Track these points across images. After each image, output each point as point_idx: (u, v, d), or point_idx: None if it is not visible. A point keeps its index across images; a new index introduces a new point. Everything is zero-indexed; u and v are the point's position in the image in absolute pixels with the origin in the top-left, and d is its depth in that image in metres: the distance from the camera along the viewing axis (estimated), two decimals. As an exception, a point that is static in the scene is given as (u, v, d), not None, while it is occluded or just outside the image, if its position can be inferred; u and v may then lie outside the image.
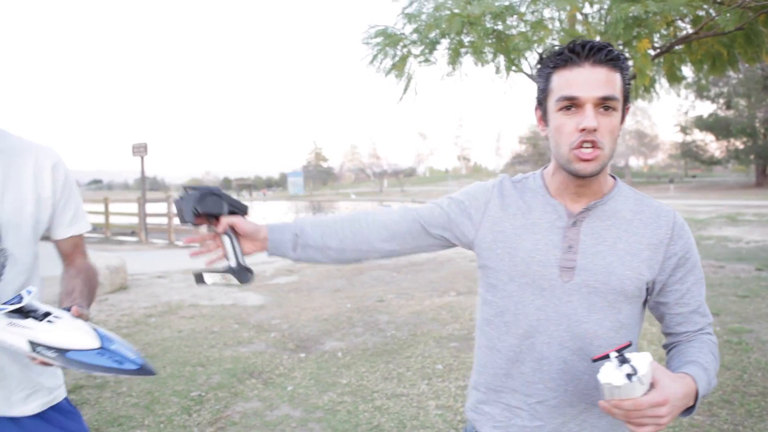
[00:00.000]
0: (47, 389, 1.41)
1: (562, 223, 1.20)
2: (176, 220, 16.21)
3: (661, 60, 4.96)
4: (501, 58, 3.90)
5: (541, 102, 1.19)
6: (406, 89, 4.28)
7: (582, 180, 1.17)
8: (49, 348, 1.09)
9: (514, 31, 3.70)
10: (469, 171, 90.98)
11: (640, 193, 1.26)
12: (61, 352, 1.09)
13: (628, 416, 0.97)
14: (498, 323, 1.26)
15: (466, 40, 3.72)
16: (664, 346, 1.29)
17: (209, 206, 1.27)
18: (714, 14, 3.79)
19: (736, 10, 3.43)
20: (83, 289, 1.41)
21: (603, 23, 3.88)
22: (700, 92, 37.71)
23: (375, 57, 4.27)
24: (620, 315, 1.19)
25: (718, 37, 4.00)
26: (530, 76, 4.47)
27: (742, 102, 38.61)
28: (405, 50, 4.15)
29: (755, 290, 6.92)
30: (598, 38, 3.71)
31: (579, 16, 4.44)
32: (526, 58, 4.11)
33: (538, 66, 1.21)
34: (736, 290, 6.94)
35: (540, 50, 3.90)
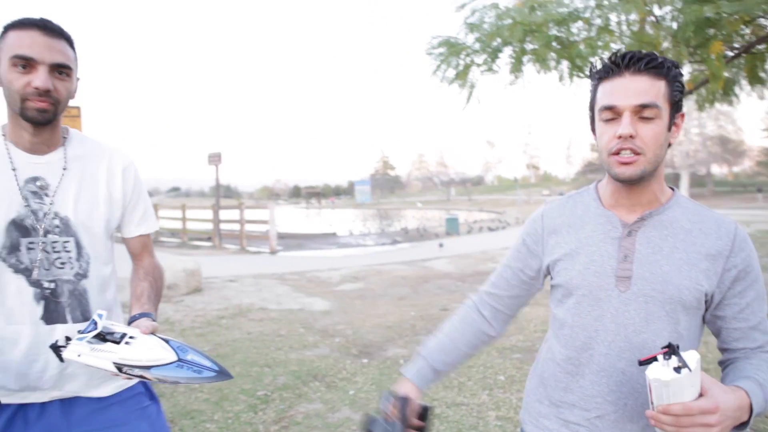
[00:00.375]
0: (106, 378, 1.52)
1: (617, 234, 1.21)
2: (248, 227, 16.88)
3: (742, 61, 4.71)
4: (565, 65, 3.84)
5: (592, 114, 1.23)
6: (469, 98, 4.29)
7: (630, 188, 1.18)
8: (134, 367, 1.21)
9: (578, 38, 3.65)
10: (538, 179, 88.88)
11: (700, 204, 1.24)
12: (145, 368, 1.20)
13: (678, 423, 0.95)
14: (559, 336, 1.29)
15: (529, 47, 3.70)
16: (720, 363, 1.25)
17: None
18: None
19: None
20: (150, 293, 1.53)
21: (675, 24, 3.74)
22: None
23: (438, 67, 4.32)
24: (679, 326, 1.17)
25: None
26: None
27: (842, 104, 35.56)
28: (468, 59, 4.18)
29: None
30: (667, 43, 3.58)
31: (651, 19, 4.30)
32: (592, 64, 4.03)
33: (590, 77, 1.24)
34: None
35: (605, 55, 3.82)
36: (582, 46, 3.70)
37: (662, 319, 1.16)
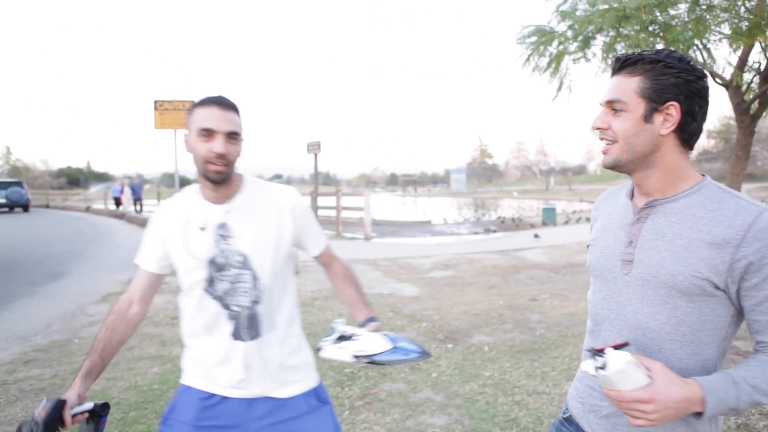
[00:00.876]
0: (293, 381, 1.83)
1: (629, 220, 1.30)
2: (344, 213, 17.44)
3: None
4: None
5: None
6: (560, 88, 4.21)
7: (632, 176, 1.28)
8: (364, 356, 1.58)
9: (678, 21, 3.45)
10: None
11: (732, 193, 1.22)
12: (371, 356, 1.58)
13: (617, 405, 1.12)
14: (589, 312, 1.43)
15: (624, 33, 3.55)
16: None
17: (52, 428, 1.52)
18: None
19: None
20: (359, 296, 1.92)
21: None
22: None
23: (530, 56, 4.26)
24: (678, 311, 1.19)
25: None
26: (702, 65, 4.11)
27: None
28: (560, 47, 4.09)
29: None
30: None
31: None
32: (695, 46, 3.79)
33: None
34: None
35: (709, 38, 3.59)
36: (689, 28, 3.48)
37: (657, 302, 1.21)
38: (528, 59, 4.30)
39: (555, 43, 4.02)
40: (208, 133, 1.63)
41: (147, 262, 1.82)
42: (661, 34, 3.42)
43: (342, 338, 1.62)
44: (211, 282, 1.72)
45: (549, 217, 22.03)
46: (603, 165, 1.30)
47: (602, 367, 1.08)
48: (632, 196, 1.34)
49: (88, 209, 27.95)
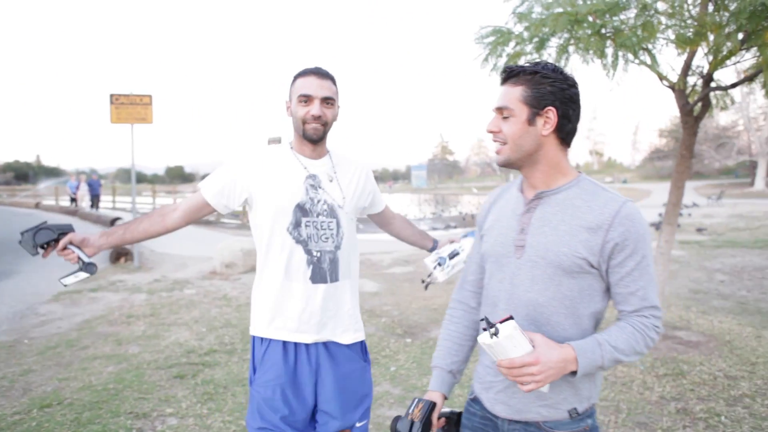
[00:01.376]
0: (355, 329, 2.05)
1: (519, 211, 1.48)
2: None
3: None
4: (610, 53, 3.78)
5: None
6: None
7: (521, 171, 1.48)
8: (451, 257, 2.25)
9: (626, 26, 3.59)
10: (601, 166, 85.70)
11: (601, 186, 1.43)
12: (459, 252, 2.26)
13: (509, 374, 1.27)
14: (483, 297, 1.58)
15: (576, 36, 3.67)
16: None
17: (44, 237, 1.80)
18: None
19: None
20: (420, 231, 2.40)
21: (720, 14, 3.61)
22: None
23: (488, 56, 4.35)
24: (562, 287, 1.38)
25: None
26: (650, 67, 4.27)
27: None
28: (517, 48, 4.19)
29: None
30: (729, 29, 3.43)
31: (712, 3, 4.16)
32: (643, 49, 3.94)
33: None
34: None
35: (650, 44, 3.74)
36: (638, 31, 3.62)
37: (545, 281, 1.39)
38: (486, 59, 4.39)
39: (512, 44, 4.12)
40: (306, 99, 1.88)
41: (208, 191, 1.95)
42: (612, 37, 3.57)
43: (446, 259, 2.15)
44: (296, 225, 1.91)
45: (507, 213, 22.40)
46: (497, 163, 1.48)
47: (495, 334, 1.25)
48: (521, 190, 1.52)
49: (37, 205, 26.89)
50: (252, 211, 1.99)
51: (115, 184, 39.61)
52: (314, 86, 1.88)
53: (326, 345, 1.99)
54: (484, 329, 1.27)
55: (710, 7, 3.99)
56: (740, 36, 3.44)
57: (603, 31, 3.68)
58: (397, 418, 1.53)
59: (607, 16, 3.47)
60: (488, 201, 1.67)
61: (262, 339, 1.99)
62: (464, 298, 1.70)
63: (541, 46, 3.83)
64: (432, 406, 1.56)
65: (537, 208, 1.44)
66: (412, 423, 1.50)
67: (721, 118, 43.29)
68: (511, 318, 1.26)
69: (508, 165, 1.45)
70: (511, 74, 1.42)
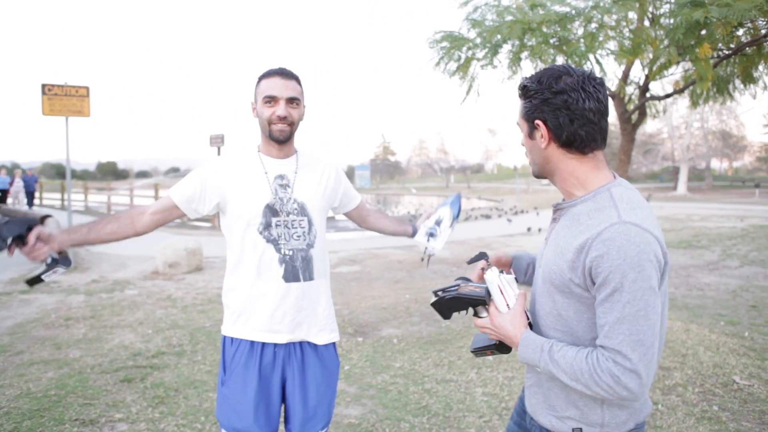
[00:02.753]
0: (330, 330, 2.06)
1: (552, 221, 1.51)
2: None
3: (736, 61, 4.86)
4: (561, 62, 3.98)
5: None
6: (469, 90, 4.45)
7: (552, 182, 1.44)
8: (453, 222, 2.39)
9: (574, 36, 3.79)
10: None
11: (615, 202, 1.29)
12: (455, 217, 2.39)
13: (481, 328, 1.48)
14: None
15: (528, 44, 3.84)
16: None
17: (13, 231, 1.72)
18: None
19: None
20: (395, 219, 2.48)
21: (661, 27, 3.88)
22: (795, 92, 35.02)
23: (441, 59, 4.46)
24: (556, 304, 1.36)
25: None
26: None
27: (844, 103, 35.47)
28: (469, 53, 4.32)
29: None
30: (665, 43, 3.72)
31: (648, 18, 4.44)
32: (588, 60, 4.17)
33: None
34: (811, 303, 6.63)
35: (600, 53, 3.97)
36: (582, 42, 3.84)
37: (545, 294, 1.40)
38: (439, 62, 4.50)
39: (465, 49, 4.24)
40: (271, 99, 1.90)
41: (178, 196, 1.96)
42: (561, 46, 3.75)
43: (435, 227, 2.18)
44: (267, 226, 1.92)
45: (450, 213, 22.76)
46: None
47: (483, 269, 1.52)
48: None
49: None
50: (223, 215, 2.02)
51: (40, 179, 37.37)
52: (279, 87, 1.90)
53: (301, 345, 2.01)
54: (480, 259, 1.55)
55: (647, 23, 4.26)
56: (677, 50, 3.69)
57: (552, 40, 3.85)
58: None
59: (558, 26, 3.64)
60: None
61: (232, 339, 1.98)
62: None
63: (494, 52, 3.96)
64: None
65: (559, 220, 1.42)
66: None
67: (647, 126, 45.76)
68: (511, 274, 1.45)
69: (538, 177, 1.49)
70: (519, 90, 1.43)
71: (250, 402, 1.91)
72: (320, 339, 2.02)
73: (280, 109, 1.89)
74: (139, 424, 3.41)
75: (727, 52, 4.34)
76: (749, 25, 4.37)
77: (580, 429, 1.36)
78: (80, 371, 4.28)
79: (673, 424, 3.43)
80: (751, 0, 3.08)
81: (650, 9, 4.06)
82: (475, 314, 1.50)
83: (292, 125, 1.94)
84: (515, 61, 4.02)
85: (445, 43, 4.29)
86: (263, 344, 1.95)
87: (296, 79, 1.96)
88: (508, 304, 1.42)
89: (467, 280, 1.56)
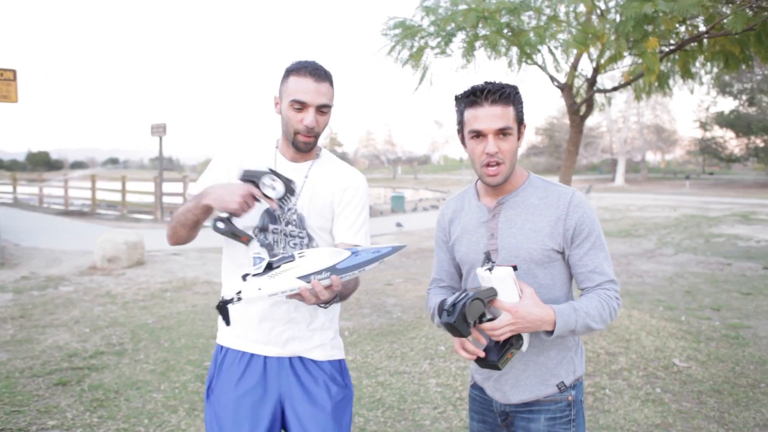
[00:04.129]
0: (332, 346, 1.84)
1: (484, 218, 1.62)
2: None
3: (676, 57, 5.02)
4: (514, 52, 3.99)
5: (460, 130, 1.59)
6: (422, 79, 4.39)
7: (503, 183, 1.56)
8: (322, 271, 1.37)
9: (528, 26, 3.80)
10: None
11: (549, 182, 1.62)
12: (332, 268, 1.38)
13: (492, 334, 1.43)
14: None
15: (482, 33, 3.82)
16: None
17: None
18: (725, 14, 3.86)
19: (744, 12, 3.50)
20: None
21: (612, 22, 3.96)
22: (723, 88, 37.08)
23: (393, 47, 4.38)
24: (537, 278, 1.56)
25: (729, 36, 4.06)
26: (543, 68, 4.56)
27: (765, 99, 37.89)
28: (422, 41, 4.26)
29: (759, 288, 6.99)
30: (613, 37, 3.80)
31: (595, 14, 4.51)
32: (540, 52, 4.20)
33: (455, 101, 1.58)
34: (741, 287, 7.01)
35: (552, 44, 4.00)
36: (532, 35, 3.86)
37: (521, 276, 1.51)
38: (391, 51, 4.42)
39: (418, 37, 4.18)
40: (300, 105, 1.66)
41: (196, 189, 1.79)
42: (515, 36, 3.75)
43: (272, 267, 1.37)
44: (263, 230, 1.76)
45: (398, 204, 22.86)
46: (494, 183, 1.54)
47: (490, 269, 1.40)
48: (478, 198, 1.66)
49: None
50: None
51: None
52: (311, 91, 1.65)
53: (293, 362, 1.79)
54: (485, 263, 1.41)
55: (595, 18, 4.33)
56: (626, 43, 3.77)
57: (506, 30, 3.85)
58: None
59: (509, 16, 3.64)
60: (446, 213, 1.77)
61: (221, 347, 1.83)
62: (437, 292, 1.80)
63: (448, 41, 3.92)
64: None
65: (501, 214, 1.60)
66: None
67: (588, 120, 47.42)
68: (513, 267, 1.41)
69: (502, 183, 1.55)
70: (503, 95, 1.49)
71: (230, 419, 1.73)
72: (317, 354, 1.80)
73: (309, 119, 1.66)
74: (75, 430, 3.20)
75: (671, 47, 4.47)
76: (689, 22, 4.53)
77: (562, 382, 1.60)
78: (8, 376, 3.98)
79: (620, 408, 3.52)
80: (693, -3, 3.18)
81: (600, 3, 4.14)
82: (479, 320, 1.43)
83: (318, 136, 1.73)
84: (469, 50, 4.01)
85: (397, 31, 4.22)
86: (252, 355, 1.78)
87: (330, 80, 1.72)
88: (520, 294, 1.44)
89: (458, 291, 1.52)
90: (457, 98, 1.57)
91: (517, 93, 1.53)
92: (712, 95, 40.57)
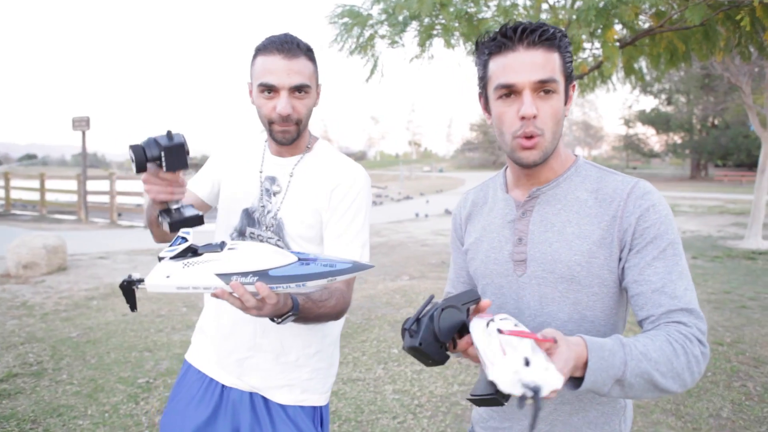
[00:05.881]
0: (302, 389, 1.52)
1: (512, 216, 1.18)
2: (120, 199, 15.58)
3: (620, 52, 5.05)
4: (471, 42, 3.84)
5: (483, 91, 1.15)
6: (373, 71, 4.18)
7: (530, 169, 1.13)
8: (246, 273, 1.04)
9: (487, 14, 3.67)
10: (419, 156, 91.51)
11: (607, 170, 1.16)
12: (262, 273, 1.04)
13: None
14: None
15: (438, 21, 3.65)
16: None
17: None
18: (676, 9, 3.88)
19: (702, 5, 3.50)
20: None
21: (571, 11, 3.89)
22: (644, 88, 39.13)
23: (339, 35, 4.13)
24: (579, 306, 1.09)
25: (678, 32, 4.09)
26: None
27: (682, 99, 40.38)
28: (372, 30, 4.04)
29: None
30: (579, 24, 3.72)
31: (545, 6, 4.44)
32: (481, 36, 4.10)
33: (476, 53, 1.15)
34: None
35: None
36: (490, 23, 3.71)
37: (557, 300, 1.10)
38: (336, 39, 4.18)
39: (368, 26, 3.96)
40: (269, 89, 1.39)
41: (198, 184, 1.63)
42: (474, 24, 3.60)
43: (197, 252, 1.08)
44: (241, 233, 1.55)
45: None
46: (530, 161, 1.08)
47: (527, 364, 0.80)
48: (507, 190, 1.22)
49: None
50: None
51: None
52: (280, 72, 1.36)
53: (254, 399, 1.51)
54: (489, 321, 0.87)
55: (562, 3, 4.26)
56: (588, 32, 3.70)
57: (463, 18, 3.69)
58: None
59: (471, 2, 3.48)
60: (463, 207, 1.34)
61: (185, 361, 1.64)
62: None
63: (401, 30, 3.72)
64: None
65: (534, 210, 1.15)
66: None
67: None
68: (552, 341, 0.82)
69: (539, 163, 1.09)
70: (545, 35, 1.04)
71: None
72: (281, 396, 1.50)
73: (282, 104, 1.37)
74: (-15, 468, 2.77)
75: (626, 41, 4.47)
76: (648, 14, 4.54)
77: None
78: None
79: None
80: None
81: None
82: (460, 335, 0.97)
83: (300, 123, 1.43)
84: (425, 38, 3.82)
85: (345, 19, 3.98)
86: (210, 379, 1.55)
87: (306, 54, 1.41)
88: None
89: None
90: (479, 44, 1.12)
91: (565, 36, 1.08)
92: (635, 94, 42.81)
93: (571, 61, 1.10)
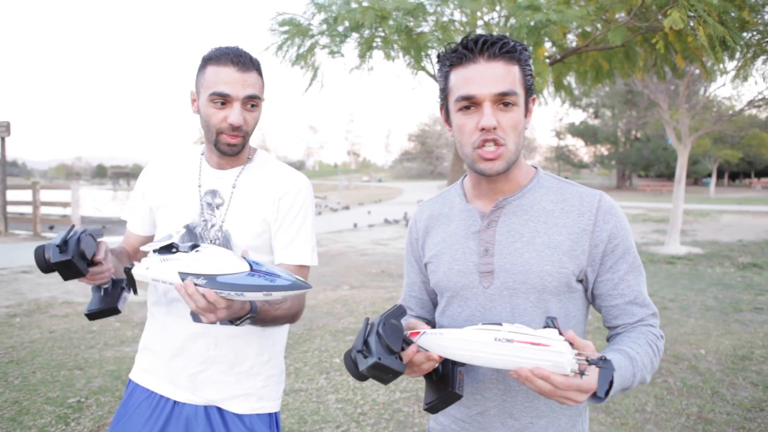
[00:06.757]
0: (258, 396, 1.52)
1: (476, 227, 1.18)
2: (44, 210, 14.75)
3: (550, 69, 5.32)
4: (410, 54, 3.95)
5: (443, 102, 1.16)
6: (312, 80, 4.20)
7: (492, 179, 1.14)
8: (198, 276, 1.13)
9: (425, 29, 3.78)
10: (358, 166, 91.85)
11: (566, 181, 1.20)
12: (211, 278, 1.12)
13: (554, 393, 0.91)
14: None
15: (378, 34, 3.72)
16: (607, 340, 1.21)
17: (91, 246, 1.31)
18: (600, 30, 4.15)
19: (623, 28, 3.77)
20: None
21: (504, 29, 4.07)
22: (574, 102, 41.10)
23: (281, 46, 4.14)
24: (550, 314, 1.12)
25: (602, 51, 4.37)
26: (432, 75, 4.58)
27: (608, 113, 42.71)
28: (312, 41, 4.07)
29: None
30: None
31: (480, 23, 4.62)
32: (429, 57, 4.20)
33: (438, 65, 1.17)
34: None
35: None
36: (430, 37, 3.83)
37: (529, 310, 1.12)
38: (279, 49, 4.19)
39: (309, 35, 3.99)
40: (222, 99, 1.37)
41: (133, 222, 1.63)
42: (413, 38, 3.70)
43: (170, 248, 1.20)
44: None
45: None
46: (492, 171, 1.09)
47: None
48: (467, 200, 1.22)
49: None
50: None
51: None
52: (234, 82, 1.36)
53: (209, 412, 1.49)
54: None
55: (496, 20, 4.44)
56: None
57: (403, 32, 3.79)
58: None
59: (411, 17, 3.58)
60: (419, 219, 1.32)
61: (130, 381, 1.59)
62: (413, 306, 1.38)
63: (342, 40, 3.77)
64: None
65: (499, 221, 1.15)
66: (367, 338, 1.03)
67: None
68: (601, 359, 0.91)
69: (502, 173, 1.10)
70: (505, 48, 1.06)
71: None
72: (237, 406, 1.49)
73: (234, 115, 1.36)
74: None
75: (555, 59, 4.72)
76: (573, 35, 4.81)
77: None
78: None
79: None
80: (580, 9, 3.36)
81: (497, 9, 4.23)
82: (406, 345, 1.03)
83: (246, 135, 1.42)
84: (366, 50, 3.88)
85: (286, 29, 3.99)
86: (160, 397, 1.50)
87: (257, 69, 1.42)
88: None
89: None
90: (440, 56, 1.14)
91: (525, 50, 1.10)
92: (565, 108, 44.85)
93: (531, 74, 1.13)
